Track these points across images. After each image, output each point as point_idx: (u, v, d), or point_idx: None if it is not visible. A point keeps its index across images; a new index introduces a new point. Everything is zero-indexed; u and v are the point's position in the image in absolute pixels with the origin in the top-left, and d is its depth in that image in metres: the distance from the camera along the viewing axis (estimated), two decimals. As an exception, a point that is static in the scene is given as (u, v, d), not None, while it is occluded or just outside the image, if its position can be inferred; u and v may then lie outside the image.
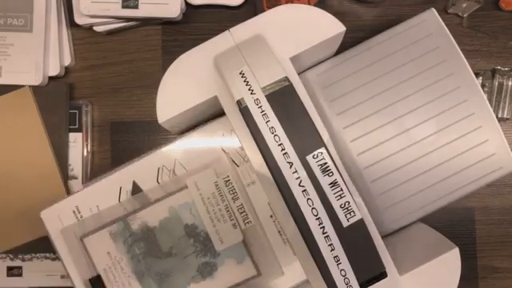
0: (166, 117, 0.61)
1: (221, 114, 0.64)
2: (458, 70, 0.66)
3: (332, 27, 0.62)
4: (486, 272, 0.83)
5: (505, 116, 0.79)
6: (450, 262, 0.60)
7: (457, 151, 0.66)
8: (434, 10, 0.68)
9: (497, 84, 0.79)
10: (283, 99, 0.54)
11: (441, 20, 0.67)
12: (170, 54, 0.85)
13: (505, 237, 0.83)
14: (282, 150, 0.53)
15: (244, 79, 0.54)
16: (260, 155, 0.54)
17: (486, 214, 0.83)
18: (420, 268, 0.59)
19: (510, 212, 0.83)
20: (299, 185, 0.52)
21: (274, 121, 0.53)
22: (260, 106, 0.53)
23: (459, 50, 0.67)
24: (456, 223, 0.83)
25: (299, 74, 0.64)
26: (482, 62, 0.83)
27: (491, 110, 0.66)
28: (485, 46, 0.83)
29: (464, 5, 0.79)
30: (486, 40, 0.83)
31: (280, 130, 0.53)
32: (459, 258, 0.59)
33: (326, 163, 0.52)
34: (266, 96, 0.54)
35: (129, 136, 0.85)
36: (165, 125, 0.63)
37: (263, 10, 0.78)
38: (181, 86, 0.62)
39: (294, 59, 0.61)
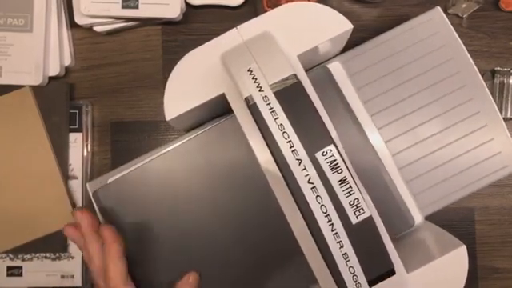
0: (173, 114, 0.61)
1: (228, 111, 0.64)
2: (464, 69, 0.67)
3: (339, 25, 0.62)
4: (486, 272, 0.84)
5: (508, 116, 0.79)
6: (457, 259, 0.60)
7: (462, 149, 0.66)
8: (439, 8, 0.68)
9: (498, 83, 0.79)
10: (292, 96, 0.54)
11: (446, 18, 0.67)
12: (170, 54, 0.85)
13: (505, 237, 0.83)
14: (291, 147, 0.52)
15: (252, 76, 0.54)
16: (268, 152, 0.54)
17: (485, 213, 0.83)
18: (427, 266, 0.59)
19: (510, 212, 0.83)
20: (308, 182, 0.52)
21: (283, 118, 0.53)
22: (269, 103, 0.53)
23: (465, 48, 0.67)
24: (456, 223, 0.83)
25: (307, 71, 0.64)
26: (482, 63, 0.83)
27: (496, 108, 0.66)
28: (485, 46, 0.83)
29: (464, 5, 0.79)
30: (486, 40, 0.83)
31: (289, 128, 0.53)
32: (466, 255, 0.59)
33: (335, 160, 0.52)
34: (275, 93, 0.53)
35: (129, 136, 0.84)
36: (172, 122, 0.63)
37: (264, 10, 0.78)
38: (188, 84, 0.61)
39: (302, 56, 0.61)
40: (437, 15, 0.68)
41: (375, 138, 0.67)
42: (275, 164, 0.53)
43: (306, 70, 0.61)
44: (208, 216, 0.68)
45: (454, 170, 0.66)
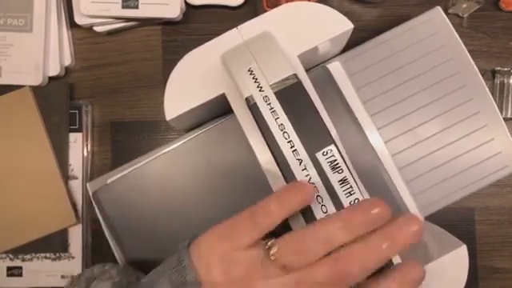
0: (173, 114, 0.61)
1: (228, 111, 0.64)
2: (464, 69, 0.66)
3: (340, 25, 0.62)
4: (486, 272, 0.83)
5: (508, 116, 0.79)
6: (458, 259, 0.60)
7: (462, 150, 0.66)
8: (439, 8, 0.68)
9: (498, 83, 0.79)
10: (292, 96, 0.53)
11: (446, 18, 0.67)
12: (170, 54, 0.85)
13: (505, 237, 0.83)
14: (292, 147, 0.52)
15: (253, 76, 0.54)
16: (268, 152, 0.54)
17: (485, 214, 0.83)
18: (427, 266, 0.59)
19: (510, 212, 0.83)
20: (309, 182, 0.52)
21: (283, 118, 0.53)
22: (269, 103, 0.53)
23: (465, 48, 0.67)
24: (456, 223, 0.83)
25: (307, 71, 0.64)
26: (481, 63, 0.83)
27: (497, 108, 0.66)
28: (485, 46, 0.83)
29: (464, 5, 0.79)
30: (486, 40, 0.83)
31: (289, 127, 0.53)
32: (467, 255, 0.59)
33: (335, 160, 0.52)
34: (275, 93, 0.53)
35: (129, 136, 0.84)
36: (172, 122, 0.63)
37: (264, 10, 0.78)
38: (188, 84, 0.62)
39: (302, 56, 0.61)
40: (437, 15, 0.68)
41: (375, 138, 0.67)
42: (276, 164, 0.53)
43: (306, 70, 0.61)
44: (208, 216, 0.68)
45: (454, 170, 0.66)
